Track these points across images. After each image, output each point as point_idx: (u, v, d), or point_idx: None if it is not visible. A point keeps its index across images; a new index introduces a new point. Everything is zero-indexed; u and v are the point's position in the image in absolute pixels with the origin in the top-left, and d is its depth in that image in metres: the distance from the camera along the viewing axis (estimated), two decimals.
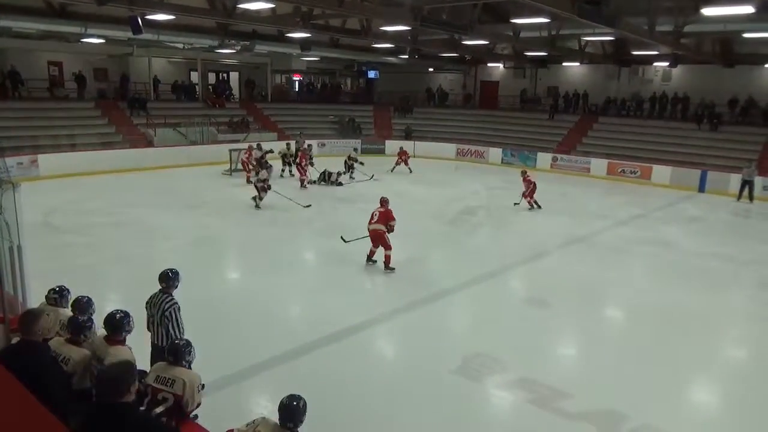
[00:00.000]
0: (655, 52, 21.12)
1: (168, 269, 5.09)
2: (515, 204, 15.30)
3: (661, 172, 20.49)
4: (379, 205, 9.65)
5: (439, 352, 6.80)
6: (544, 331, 7.66)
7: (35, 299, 5.14)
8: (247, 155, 18.23)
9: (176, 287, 5.06)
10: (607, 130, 24.24)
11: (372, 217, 9.50)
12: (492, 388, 6.10)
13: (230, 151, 19.78)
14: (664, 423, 5.46)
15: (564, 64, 26.85)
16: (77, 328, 4.16)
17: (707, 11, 13.49)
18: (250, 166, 17.65)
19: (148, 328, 5.03)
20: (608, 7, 12.75)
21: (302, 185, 17.24)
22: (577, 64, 26.38)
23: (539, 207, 15.09)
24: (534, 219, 14.27)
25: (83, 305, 4.66)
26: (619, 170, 21.47)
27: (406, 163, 21.40)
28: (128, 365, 3.31)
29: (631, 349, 7.22)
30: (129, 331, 4.28)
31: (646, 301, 8.87)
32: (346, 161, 19.49)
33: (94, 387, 3.03)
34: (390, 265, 9.53)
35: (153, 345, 5.00)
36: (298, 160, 18.08)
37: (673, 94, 23.94)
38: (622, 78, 25.94)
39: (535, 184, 15.04)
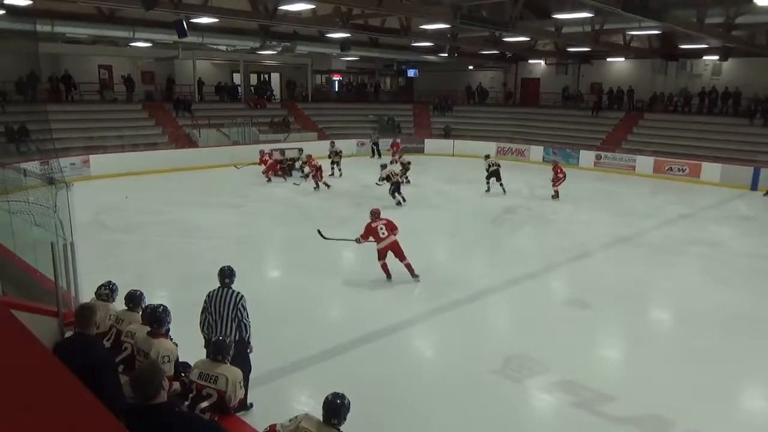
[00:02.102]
0: (705, 46, 20.37)
1: (226, 266, 5.29)
2: (553, 196, 15.73)
3: (710, 169, 19.74)
4: (375, 217, 8.98)
5: (479, 352, 6.74)
6: (587, 332, 7.50)
7: (86, 295, 5.34)
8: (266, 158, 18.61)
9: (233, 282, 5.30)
10: (653, 126, 23.51)
11: (377, 233, 8.75)
12: (534, 390, 6.01)
13: (261, 152, 19.91)
14: (713, 430, 5.27)
15: (608, 59, 26.19)
16: (157, 319, 4.36)
17: (760, 1, 12.92)
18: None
19: (204, 328, 5.09)
20: (655, 0, 12.39)
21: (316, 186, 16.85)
22: (622, 59, 25.67)
23: (557, 197, 15.79)
24: (577, 218, 13.99)
25: (137, 298, 4.87)
26: (667, 168, 20.81)
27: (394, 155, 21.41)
28: (154, 367, 3.42)
29: (677, 352, 7.00)
30: (169, 324, 4.45)
31: (693, 303, 8.58)
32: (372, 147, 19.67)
33: (132, 391, 3.11)
34: (415, 273, 8.97)
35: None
36: (308, 169, 17.29)
37: (724, 89, 23.03)
38: (670, 73, 25.08)
39: (565, 176, 15.78)
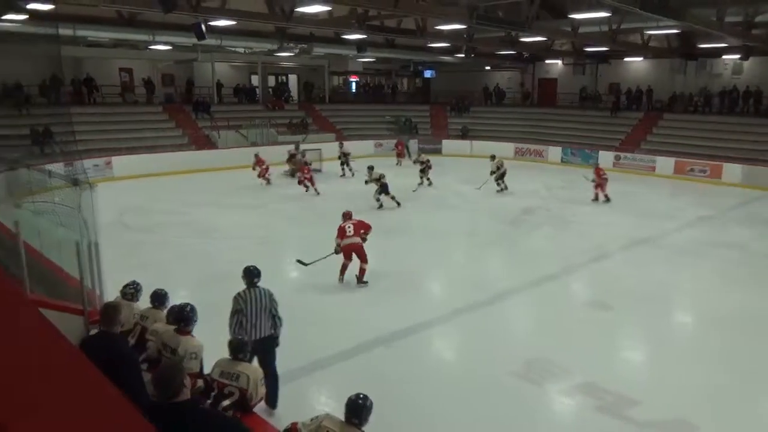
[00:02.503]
0: (725, 45, 20.05)
1: (252, 266, 5.35)
2: (605, 201, 15.51)
3: (732, 170, 19.43)
4: (346, 219, 9.00)
5: (499, 354, 6.71)
6: (608, 335, 7.43)
7: (110, 294, 5.42)
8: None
9: None
10: (673, 126, 23.20)
11: (344, 231, 8.78)
12: (555, 394, 5.97)
13: (289, 152, 20.11)
14: None
15: (626, 59, 25.92)
16: (185, 317, 4.43)
17: None
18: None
19: (236, 330, 5.02)
20: None
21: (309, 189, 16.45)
22: (640, 59, 25.39)
23: (608, 200, 15.29)
24: (596, 219, 13.86)
25: (162, 297, 4.95)
26: (688, 169, 20.51)
27: (402, 156, 22.10)
28: (176, 365, 3.46)
29: (700, 354, 6.92)
30: (195, 322, 4.52)
31: (715, 306, 8.44)
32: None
33: (154, 389, 3.15)
34: (364, 279, 8.90)
35: (257, 340, 5.05)
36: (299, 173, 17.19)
37: (745, 88, 22.66)
38: (689, 72, 24.74)
39: (606, 179, 15.41)
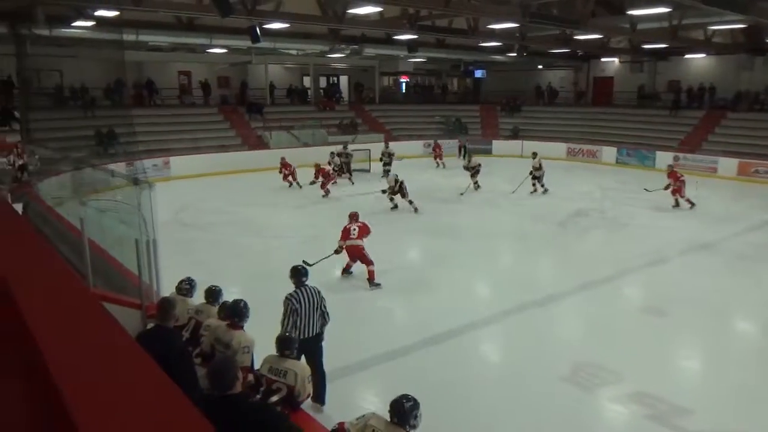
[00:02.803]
0: None
1: (299, 265, 5.49)
2: (646, 190, 14.92)
3: None
4: (352, 220, 9.07)
5: (548, 358, 6.59)
6: (662, 342, 7.17)
7: (165, 289, 5.65)
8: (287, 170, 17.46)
9: None
10: (737, 126, 22.12)
11: (349, 233, 8.86)
12: (605, 400, 5.81)
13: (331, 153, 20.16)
14: None
15: (687, 56, 24.86)
16: (239, 313, 4.58)
17: None
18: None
19: (287, 329, 5.03)
20: None
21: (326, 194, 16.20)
22: (703, 55, 24.33)
23: (693, 205, 14.39)
24: (653, 223, 13.38)
25: (215, 294, 5.12)
26: (753, 170, 19.53)
27: (441, 158, 21.84)
28: (230, 360, 3.62)
29: (759, 367, 6.58)
30: (248, 318, 4.66)
31: None
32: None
33: (209, 382, 3.26)
34: (375, 281, 8.80)
35: (308, 338, 5.16)
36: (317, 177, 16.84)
37: None
38: (756, 69, 23.48)
39: (685, 182, 14.41)
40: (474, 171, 17.10)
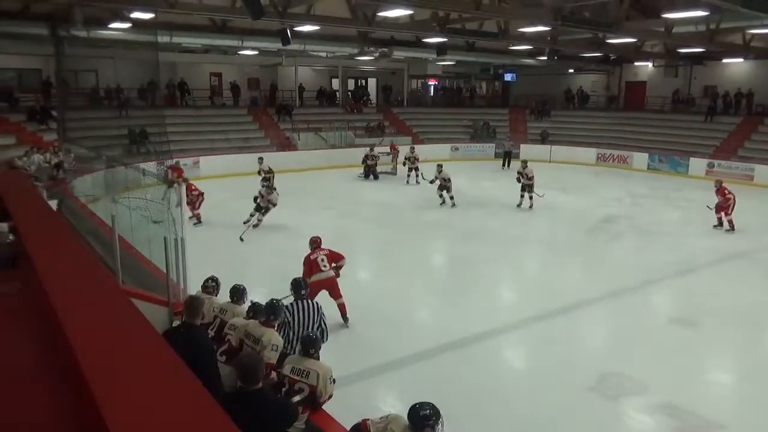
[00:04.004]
0: None
1: (299, 278, 5.44)
2: (708, 207, 13.20)
3: None
4: (315, 248, 7.40)
5: (573, 366, 6.49)
6: (692, 353, 7.00)
7: (192, 287, 5.73)
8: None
9: None
10: None
11: (317, 266, 7.13)
12: (631, 411, 5.69)
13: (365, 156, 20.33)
14: None
15: (724, 60, 24.25)
16: (274, 311, 4.64)
17: None
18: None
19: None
20: None
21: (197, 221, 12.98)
22: (741, 60, 23.69)
23: (732, 229, 12.77)
24: (684, 231, 13.08)
25: (240, 292, 5.19)
26: None
27: (396, 159, 20.55)
28: (257, 356, 3.75)
29: None
30: (279, 319, 4.73)
31: None
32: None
33: (237, 375, 3.37)
34: (347, 315, 7.40)
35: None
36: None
37: None
38: None
39: (734, 200, 12.82)
40: (528, 180, 14.97)
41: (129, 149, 18.47)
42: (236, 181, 18.48)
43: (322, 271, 7.11)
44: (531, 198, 14.85)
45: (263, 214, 12.60)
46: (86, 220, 9.17)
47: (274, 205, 12.71)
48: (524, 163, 15.60)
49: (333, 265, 7.25)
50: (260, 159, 16.92)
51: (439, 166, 15.46)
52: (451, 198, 15.02)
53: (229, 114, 23.98)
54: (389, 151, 21.12)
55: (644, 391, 5.92)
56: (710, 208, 13.25)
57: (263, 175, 15.98)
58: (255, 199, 12.71)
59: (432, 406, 3.29)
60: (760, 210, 15.84)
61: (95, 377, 1.77)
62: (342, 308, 7.34)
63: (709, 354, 7.19)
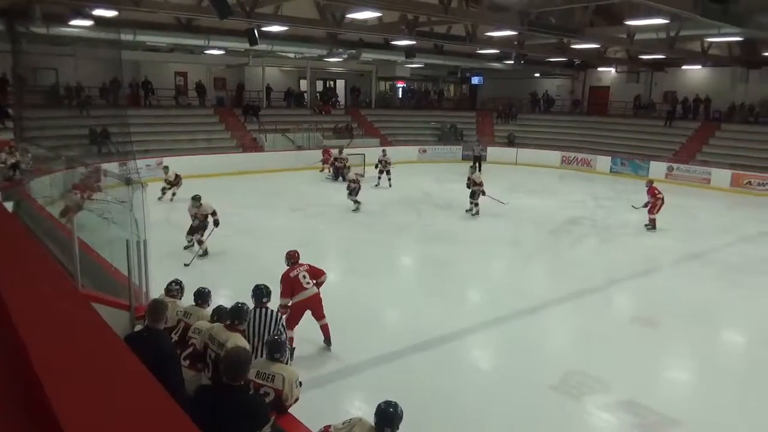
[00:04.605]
0: None
1: (262, 285, 5.17)
2: (633, 207, 13.82)
3: None
4: (294, 263, 6.59)
5: (537, 366, 6.59)
6: (652, 352, 7.19)
7: (155, 291, 5.62)
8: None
9: None
10: (731, 138, 22.31)
11: (298, 284, 6.36)
12: (593, 409, 5.81)
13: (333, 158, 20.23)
14: None
15: (683, 67, 25.07)
16: (240, 315, 4.56)
17: None
18: None
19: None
20: (736, 5, 11.79)
21: None
22: (699, 67, 24.51)
23: (653, 228, 13.26)
24: (645, 232, 13.43)
25: (205, 295, 5.09)
26: (745, 182, 19.67)
27: (327, 163, 20.49)
28: (247, 351, 3.75)
29: (750, 378, 6.61)
30: (247, 322, 4.66)
31: None
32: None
33: (223, 367, 3.39)
34: (330, 337, 6.80)
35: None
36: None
37: None
38: (751, 82, 23.71)
39: (662, 201, 13.27)
40: (476, 186, 14.51)
41: (89, 149, 17.99)
42: (201, 183, 18.18)
43: (305, 288, 6.39)
44: (476, 205, 14.49)
45: (202, 236, 10.45)
46: (44, 222, 8.90)
47: (206, 217, 10.37)
48: (472, 168, 15.50)
49: (314, 281, 6.53)
50: (165, 168, 15.68)
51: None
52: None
53: (195, 114, 23.60)
54: (322, 155, 20.97)
55: (606, 390, 6.05)
56: (635, 208, 13.74)
57: (168, 185, 15.11)
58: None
59: (396, 403, 3.34)
60: (717, 212, 16.41)
61: (51, 384, 1.72)
62: (325, 330, 6.74)
63: (667, 352, 7.40)
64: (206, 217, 10.23)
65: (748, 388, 6.33)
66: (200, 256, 10.23)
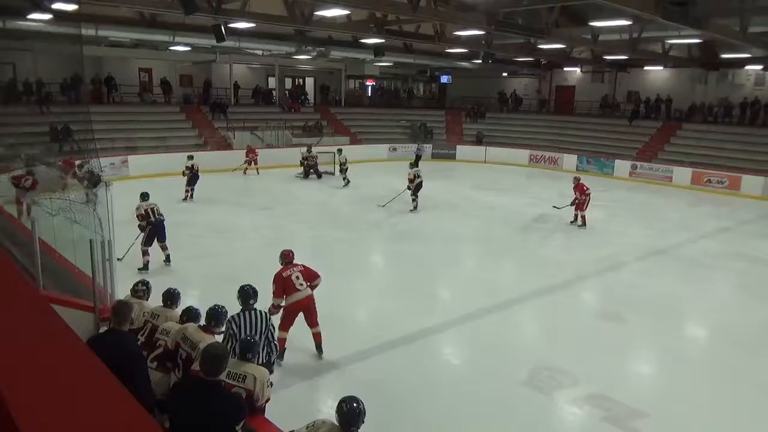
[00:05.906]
0: (748, 55, 19.84)
1: (247, 285, 5.07)
2: (555, 207, 14.02)
3: (751, 182, 19.18)
4: (288, 263, 6.35)
5: (507, 361, 6.67)
6: (618, 346, 7.34)
7: (120, 292, 5.47)
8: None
9: None
10: (691, 137, 22.95)
11: (291, 284, 6.15)
12: (562, 403, 5.91)
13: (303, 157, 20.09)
14: None
15: (646, 68, 25.73)
16: (216, 317, 4.47)
17: None
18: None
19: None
20: (695, 8, 12.12)
21: None
22: (660, 68, 25.16)
23: (584, 225, 13.45)
24: (610, 229, 13.72)
25: (174, 296, 4.97)
26: (705, 180, 20.27)
27: (255, 163, 20.42)
28: (225, 347, 3.79)
29: (713, 369, 6.81)
30: (223, 325, 4.59)
31: (730, 319, 8.34)
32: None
33: (201, 363, 3.40)
34: (321, 345, 6.56)
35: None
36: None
37: None
38: (710, 83, 24.47)
39: (589, 197, 13.42)
40: (416, 185, 14.72)
41: (50, 147, 17.46)
42: (168, 181, 17.84)
43: (298, 290, 6.14)
44: (414, 200, 14.74)
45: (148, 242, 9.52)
46: (2, 223, 8.59)
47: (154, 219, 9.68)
48: (410, 166, 15.52)
49: (308, 283, 6.30)
50: (79, 166, 13.77)
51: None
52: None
53: (160, 111, 23.12)
54: (246, 155, 20.57)
55: (574, 384, 6.16)
56: (557, 208, 13.92)
57: (85, 183, 12.58)
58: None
59: (358, 399, 3.30)
60: (678, 209, 16.86)
61: (10, 388, 1.65)
62: (317, 338, 6.47)
63: (633, 346, 7.56)
64: (142, 217, 9.55)
65: (709, 379, 6.52)
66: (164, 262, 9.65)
